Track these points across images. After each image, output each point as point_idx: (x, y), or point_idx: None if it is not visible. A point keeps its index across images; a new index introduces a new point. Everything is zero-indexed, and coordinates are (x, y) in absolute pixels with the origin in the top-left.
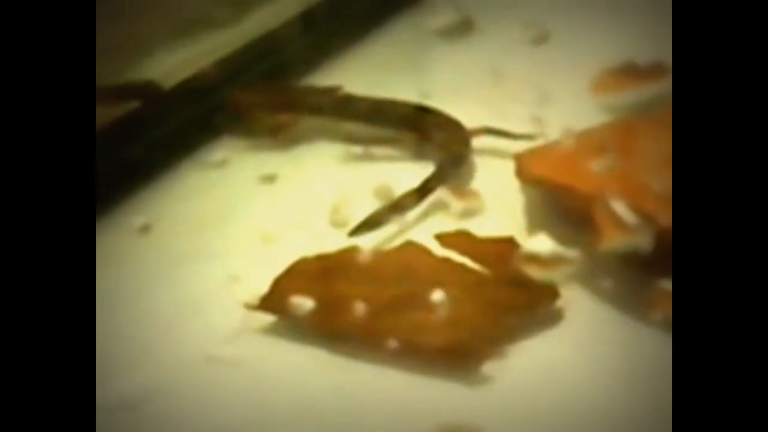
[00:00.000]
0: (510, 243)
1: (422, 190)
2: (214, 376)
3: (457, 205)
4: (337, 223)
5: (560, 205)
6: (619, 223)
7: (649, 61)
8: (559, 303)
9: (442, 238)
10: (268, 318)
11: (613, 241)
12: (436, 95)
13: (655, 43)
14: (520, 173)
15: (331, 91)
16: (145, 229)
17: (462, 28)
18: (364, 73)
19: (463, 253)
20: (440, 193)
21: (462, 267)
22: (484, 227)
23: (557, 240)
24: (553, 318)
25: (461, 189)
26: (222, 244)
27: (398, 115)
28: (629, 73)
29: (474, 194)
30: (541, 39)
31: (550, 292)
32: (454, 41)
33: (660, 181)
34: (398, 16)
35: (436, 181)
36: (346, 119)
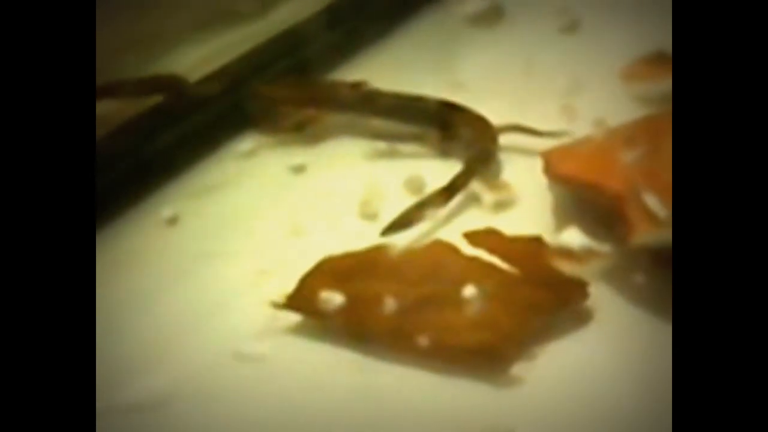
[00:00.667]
0: (539, 242)
1: (451, 188)
2: (240, 374)
3: (488, 197)
4: (367, 216)
5: (589, 202)
6: (650, 217)
7: None
8: (589, 302)
9: (471, 237)
10: (294, 317)
11: (644, 236)
12: (464, 87)
13: None
14: (548, 171)
15: (356, 86)
16: (173, 222)
17: (491, 16)
18: (391, 67)
19: (492, 252)
20: (471, 185)
21: (490, 266)
22: (512, 225)
23: (589, 236)
24: (583, 318)
25: (492, 181)
26: (250, 238)
27: (424, 111)
28: (660, 62)
29: (505, 185)
30: (571, 27)
31: (579, 292)
32: (482, 31)
33: None
34: (425, 8)
35: (464, 179)
36: (372, 115)
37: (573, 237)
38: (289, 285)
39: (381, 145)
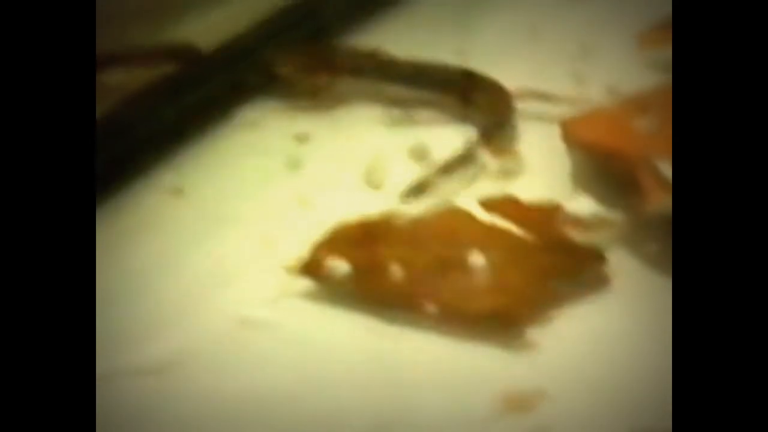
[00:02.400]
0: (555, 207)
1: (467, 154)
2: (250, 340)
3: (494, 164)
4: (372, 184)
5: (607, 169)
6: (665, 184)
7: None
8: (606, 268)
9: (486, 203)
10: (307, 283)
11: (658, 204)
12: (477, 53)
13: None
14: (566, 137)
15: (370, 53)
16: (178, 191)
17: None
18: (405, 33)
19: (508, 217)
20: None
21: (506, 232)
22: (529, 191)
23: (603, 204)
24: (599, 283)
25: (499, 148)
26: (256, 207)
27: (440, 77)
28: None
29: (512, 153)
30: None
31: (596, 257)
32: None
33: None
34: None
35: (480, 145)
36: (387, 81)
37: (584, 205)
38: (297, 253)
39: (396, 111)
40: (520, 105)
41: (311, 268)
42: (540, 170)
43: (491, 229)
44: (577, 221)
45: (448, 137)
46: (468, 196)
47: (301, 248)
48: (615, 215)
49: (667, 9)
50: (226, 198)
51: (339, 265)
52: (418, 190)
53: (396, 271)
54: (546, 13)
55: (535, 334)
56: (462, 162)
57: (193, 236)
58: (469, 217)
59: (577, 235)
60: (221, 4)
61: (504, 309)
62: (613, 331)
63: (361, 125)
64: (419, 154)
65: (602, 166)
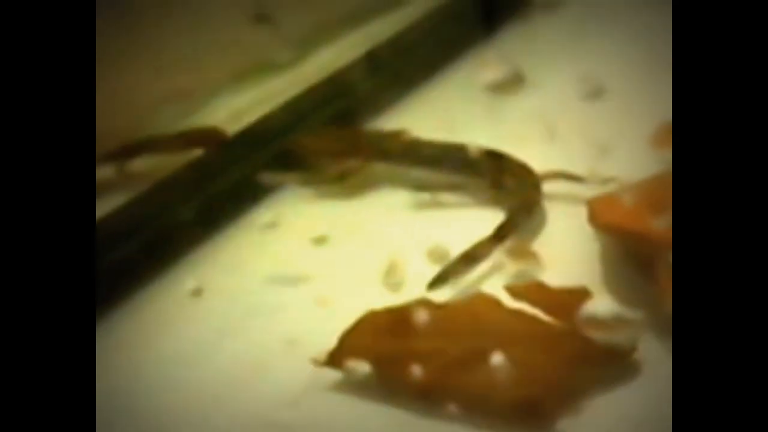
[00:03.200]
0: (583, 293)
1: (495, 239)
2: None
3: (513, 266)
4: (390, 286)
5: (634, 252)
6: None
7: None
8: (636, 356)
9: (513, 290)
10: (330, 378)
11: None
12: (506, 137)
13: None
14: (593, 219)
15: (397, 136)
16: (197, 293)
17: (512, 84)
18: (432, 115)
19: (535, 304)
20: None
21: (534, 319)
22: (556, 276)
23: (631, 290)
24: (630, 371)
25: (518, 248)
26: (276, 308)
27: (468, 160)
28: None
29: (531, 254)
30: (594, 94)
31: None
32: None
33: None
34: (465, 55)
35: (508, 229)
36: (414, 165)
37: (602, 305)
38: (317, 353)
39: (423, 195)
40: (548, 187)
41: (339, 358)
42: (569, 254)
43: (518, 316)
44: (598, 322)
45: (475, 220)
46: (494, 282)
47: (319, 348)
48: (636, 314)
49: None
50: (245, 298)
51: (355, 368)
52: (444, 278)
53: (425, 361)
54: (561, 112)
55: (565, 424)
56: (488, 246)
57: (212, 338)
58: (495, 305)
59: (594, 335)
60: (247, 89)
61: (533, 399)
62: (644, 418)
63: (384, 215)
64: (438, 254)
65: (630, 248)
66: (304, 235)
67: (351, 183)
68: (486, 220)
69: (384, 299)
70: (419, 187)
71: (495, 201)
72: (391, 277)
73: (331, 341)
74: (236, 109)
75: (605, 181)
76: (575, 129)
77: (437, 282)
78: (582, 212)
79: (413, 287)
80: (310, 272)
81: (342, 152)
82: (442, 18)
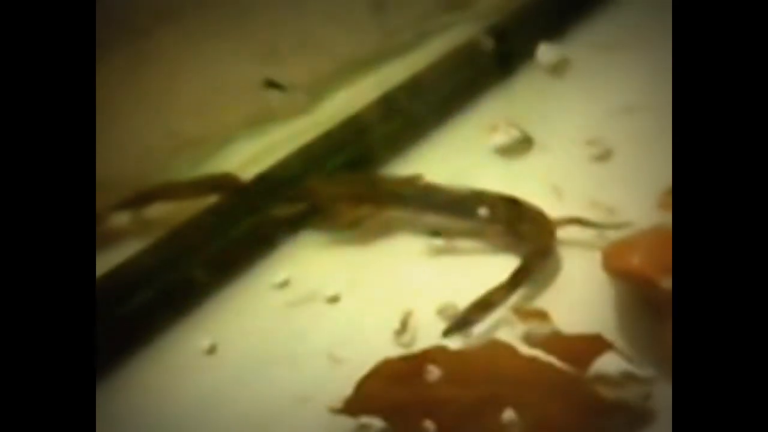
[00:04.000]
0: (598, 341)
1: (510, 285)
2: None
3: (521, 326)
4: (402, 344)
5: (647, 299)
6: None
7: None
8: (649, 404)
9: (529, 337)
10: (351, 423)
11: None
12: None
13: None
14: (607, 265)
15: (412, 181)
16: (211, 350)
17: (521, 146)
18: (446, 160)
19: (550, 351)
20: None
21: (549, 366)
22: (571, 323)
23: (645, 337)
24: (645, 418)
25: (526, 310)
26: (288, 365)
27: (483, 205)
28: None
29: (541, 314)
30: (602, 157)
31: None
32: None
33: None
34: (480, 98)
35: (523, 275)
36: (429, 210)
37: (611, 363)
38: (328, 410)
39: (438, 241)
40: (562, 233)
41: (354, 407)
42: (585, 299)
43: (533, 364)
44: (608, 379)
45: (490, 266)
46: (509, 330)
47: (332, 404)
48: (646, 371)
49: None
50: (257, 353)
51: (368, 425)
52: (459, 325)
53: (437, 412)
54: (569, 175)
55: None
56: (503, 292)
57: (225, 391)
58: (510, 352)
59: (604, 392)
60: (261, 135)
61: None
62: None
63: (399, 263)
64: (448, 312)
65: (642, 295)
66: (318, 288)
67: (365, 229)
68: (501, 266)
69: (396, 353)
70: (434, 233)
71: (510, 247)
72: (403, 335)
73: (342, 396)
74: (250, 155)
75: (619, 227)
76: (582, 190)
77: (452, 329)
78: (597, 258)
79: (425, 342)
80: (322, 327)
81: (356, 198)
82: (456, 62)
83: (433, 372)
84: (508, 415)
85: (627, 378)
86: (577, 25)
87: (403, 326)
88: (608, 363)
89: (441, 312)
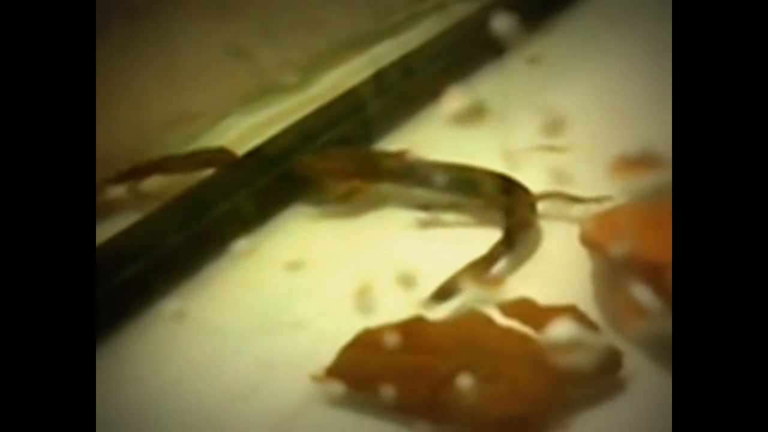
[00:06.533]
0: (572, 311)
1: (490, 258)
2: None
3: (476, 292)
4: (362, 309)
5: (625, 271)
6: (639, 311)
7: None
8: (623, 371)
9: (504, 308)
10: (331, 390)
11: (635, 330)
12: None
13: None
14: (584, 238)
15: (400, 156)
16: (179, 316)
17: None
18: (438, 136)
19: (525, 322)
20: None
21: (523, 337)
22: (550, 294)
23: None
24: (616, 388)
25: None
26: (255, 332)
27: (468, 180)
28: (647, 159)
29: (495, 281)
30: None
31: (613, 361)
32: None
33: None
34: (476, 71)
35: (504, 248)
36: (416, 184)
37: (562, 329)
38: (299, 377)
39: (423, 215)
40: (543, 206)
41: (338, 373)
42: (564, 272)
43: (509, 334)
44: (557, 346)
45: (473, 239)
46: (491, 299)
47: (299, 372)
48: (595, 338)
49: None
50: (226, 323)
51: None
52: (439, 295)
53: (416, 380)
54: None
55: None
56: (483, 265)
57: (197, 363)
58: (487, 323)
59: (555, 359)
60: (256, 111)
61: (520, 415)
62: None
63: (386, 235)
64: (406, 280)
65: (620, 267)
66: (310, 259)
67: (355, 202)
68: (484, 238)
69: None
70: (423, 206)
71: (493, 220)
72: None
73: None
74: (245, 130)
75: (600, 200)
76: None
77: (433, 299)
78: (576, 232)
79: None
80: (312, 297)
81: (347, 172)
82: (448, 40)
83: (416, 333)
84: (465, 380)
85: (576, 344)
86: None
87: (361, 294)
88: (557, 329)
89: (399, 279)
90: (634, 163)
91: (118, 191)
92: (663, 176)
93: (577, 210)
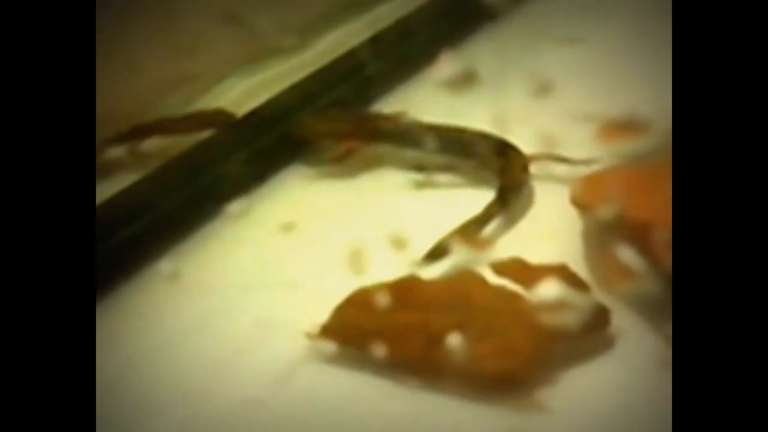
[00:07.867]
0: (563, 270)
1: (483, 218)
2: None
3: (465, 253)
4: (355, 270)
5: (616, 231)
6: (625, 270)
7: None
8: (612, 328)
9: (496, 267)
10: (326, 348)
11: (622, 290)
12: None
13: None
14: (574, 199)
15: (396, 118)
16: (174, 277)
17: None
18: (434, 98)
19: (516, 281)
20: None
21: (514, 295)
22: (542, 254)
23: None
24: (605, 343)
25: (476, 240)
26: (249, 293)
27: (462, 141)
28: (633, 124)
29: (484, 242)
30: (543, 90)
31: (601, 318)
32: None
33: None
34: (471, 35)
35: (496, 208)
36: (411, 146)
37: (548, 288)
38: (290, 336)
39: (418, 176)
40: (535, 167)
41: (333, 332)
42: (556, 231)
43: (500, 293)
44: (548, 304)
45: (467, 199)
46: (483, 259)
47: (293, 330)
48: (581, 298)
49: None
50: (222, 283)
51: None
52: (434, 254)
53: (413, 335)
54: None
55: (543, 394)
56: (477, 225)
57: (189, 323)
58: (480, 282)
59: (542, 318)
60: (255, 73)
61: (511, 371)
62: (617, 388)
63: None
64: (398, 243)
65: (611, 227)
66: (306, 221)
67: (351, 164)
68: (478, 199)
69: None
70: (419, 168)
71: (486, 181)
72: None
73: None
74: (243, 92)
75: (590, 162)
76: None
77: (428, 257)
78: (566, 192)
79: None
80: (292, 256)
81: (343, 133)
82: (446, 3)
83: (409, 291)
84: (457, 337)
85: (562, 304)
86: None
87: (353, 255)
88: (544, 289)
89: (391, 242)
90: (621, 127)
91: (117, 152)
92: (650, 140)
93: (568, 172)
